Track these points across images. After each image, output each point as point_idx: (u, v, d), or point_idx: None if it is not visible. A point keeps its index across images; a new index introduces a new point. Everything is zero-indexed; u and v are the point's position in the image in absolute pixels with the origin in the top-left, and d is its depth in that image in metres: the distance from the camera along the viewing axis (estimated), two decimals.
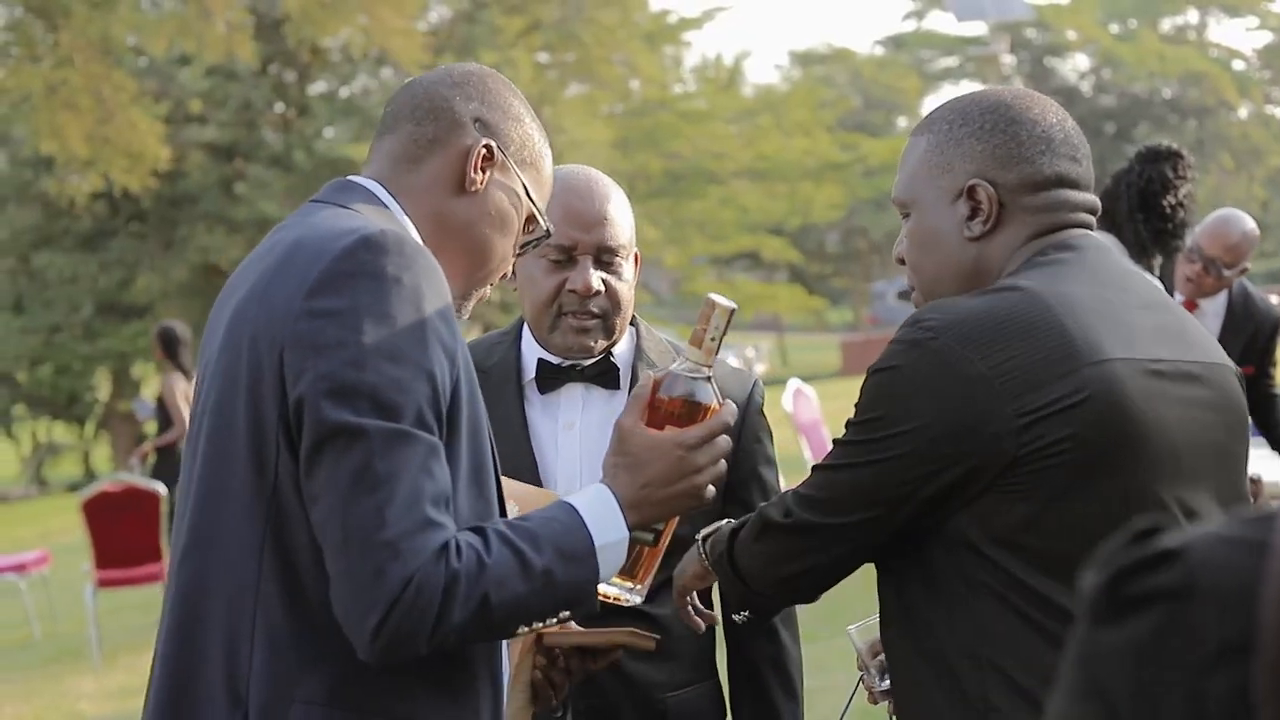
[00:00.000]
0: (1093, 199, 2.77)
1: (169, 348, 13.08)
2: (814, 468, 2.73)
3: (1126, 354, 2.56)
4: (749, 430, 3.58)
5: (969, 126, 2.75)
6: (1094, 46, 59.86)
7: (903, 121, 62.01)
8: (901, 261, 2.86)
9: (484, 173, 2.69)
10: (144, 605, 13.93)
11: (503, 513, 2.62)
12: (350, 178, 2.68)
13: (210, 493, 2.47)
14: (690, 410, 2.63)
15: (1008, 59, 46.72)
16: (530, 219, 2.78)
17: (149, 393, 39.22)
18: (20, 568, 12.84)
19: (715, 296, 2.66)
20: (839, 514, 2.66)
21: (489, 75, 2.76)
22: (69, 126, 25.29)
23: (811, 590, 2.82)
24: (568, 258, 3.47)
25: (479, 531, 2.39)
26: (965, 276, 2.75)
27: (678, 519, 2.72)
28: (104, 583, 11.70)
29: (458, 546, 2.34)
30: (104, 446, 43.64)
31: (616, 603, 2.88)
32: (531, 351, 3.56)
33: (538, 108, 38.96)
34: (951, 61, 62.77)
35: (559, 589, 2.41)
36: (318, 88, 38.68)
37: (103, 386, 43.31)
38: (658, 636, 3.06)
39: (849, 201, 48.66)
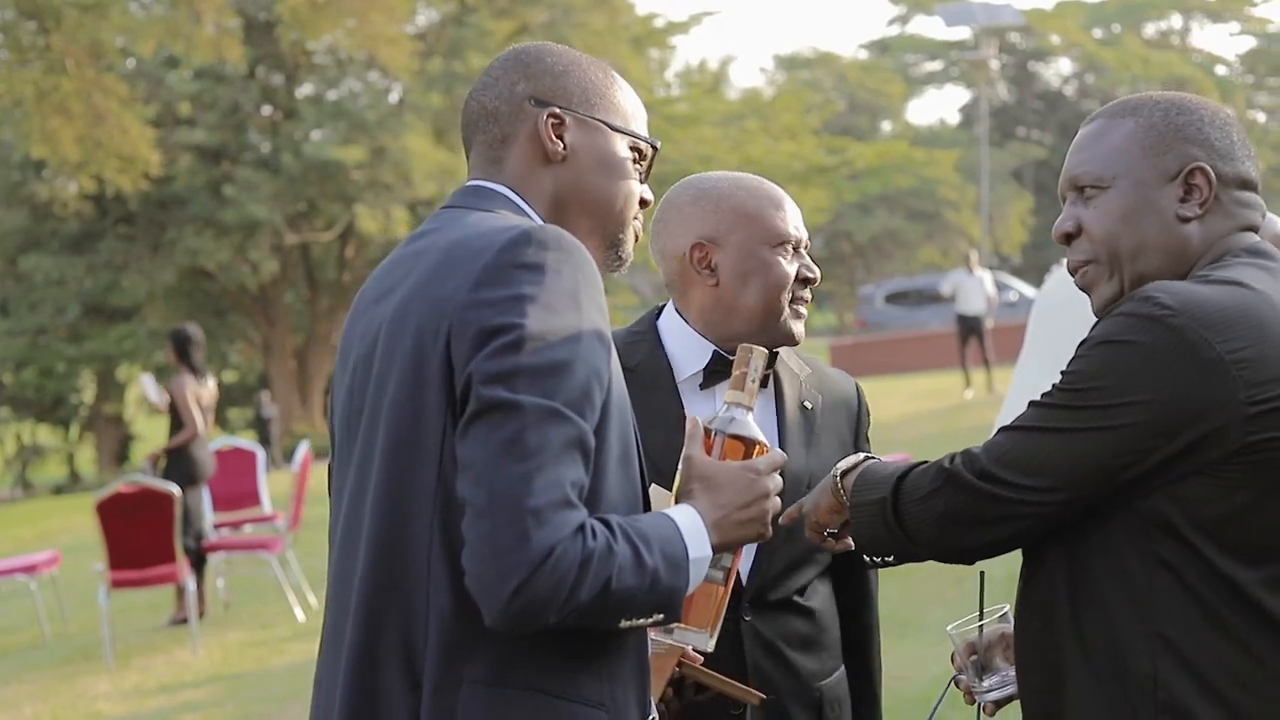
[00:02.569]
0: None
1: (181, 349, 13.06)
2: (1006, 429, 2.74)
3: None
4: (862, 429, 3.67)
5: (1188, 116, 2.85)
6: (1078, 51, 59.98)
7: (887, 125, 62.10)
8: (1067, 239, 2.92)
9: (561, 138, 2.78)
10: (152, 606, 13.95)
11: (645, 499, 2.70)
12: (479, 183, 2.80)
13: (390, 482, 2.55)
14: (745, 446, 2.74)
15: (994, 64, 46.80)
16: (633, 147, 2.85)
17: (134, 393, 39.21)
18: (31, 568, 12.81)
19: (746, 345, 2.82)
20: (1041, 478, 2.67)
21: (519, 52, 2.84)
22: (61, 131, 25.27)
23: (979, 556, 2.81)
24: (794, 249, 3.53)
25: (604, 521, 2.46)
26: (1167, 254, 2.82)
27: (739, 558, 2.80)
28: (117, 583, 11.67)
29: (592, 529, 2.42)
30: (88, 449, 43.61)
31: (686, 655, 3.00)
32: (684, 347, 3.55)
33: None
34: (935, 66, 62.85)
35: (659, 591, 2.49)
36: (305, 90, 38.66)
37: (87, 389, 43.26)
38: (767, 696, 3.24)
39: (835, 205, 48.77)
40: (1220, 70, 62.60)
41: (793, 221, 3.51)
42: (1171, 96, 2.89)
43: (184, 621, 12.60)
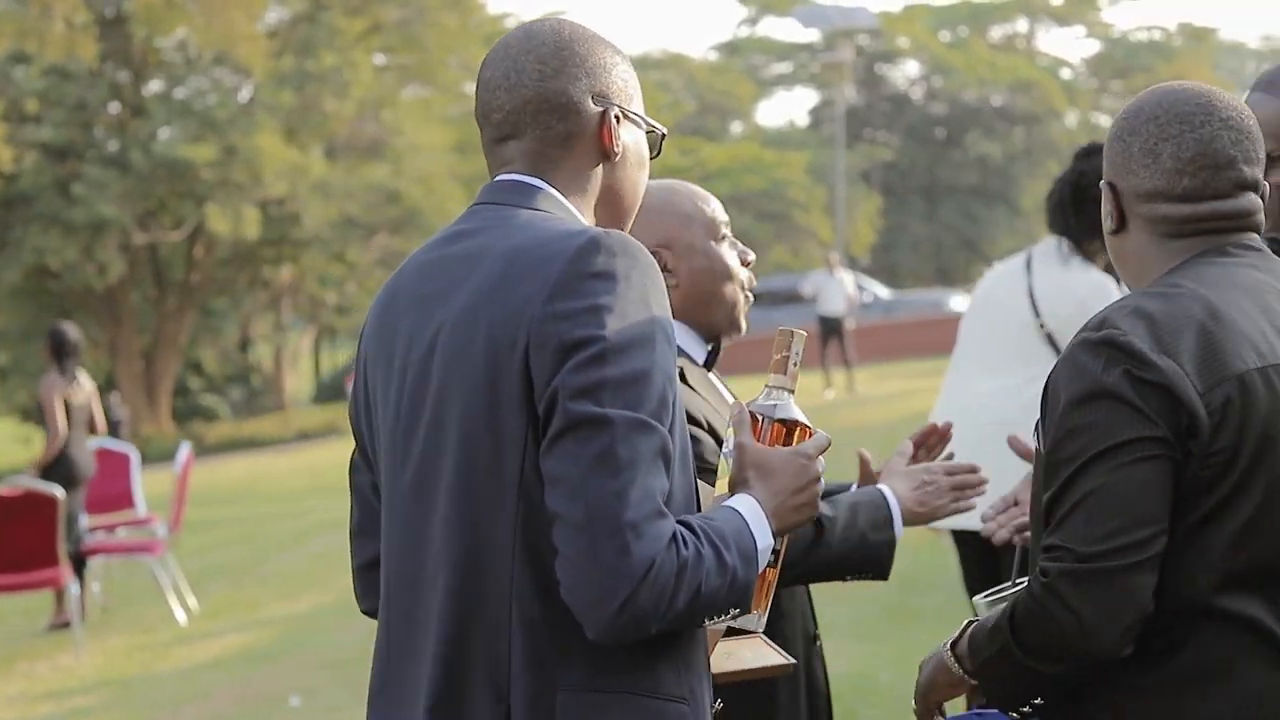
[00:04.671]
0: None
1: (54, 349, 12.83)
2: (1063, 512, 2.72)
3: None
4: None
5: (1114, 129, 2.92)
6: (925, 54, 60.64)
7: (738, 126, 62.38)
8: None
9: (618, 137, 2.76)
10: (28, 610, 13.68)
11: (696, 494, 2.72)
12: (517, 177, 2.73)
13: (466, 496, 2.56)
14: (791, 430, 2.76)
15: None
16: (649, 132, 2.86)
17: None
18: None
19: (788, 327, 2.84)
20: (1141, 527, 2.67)
21: (574, 40, 2.75)
22: None
23: (1131, 636, 2.73)
24: (727, 238, 3.65)
25: (687, 525, 2.50)
26: (1117, 265, 2.98)
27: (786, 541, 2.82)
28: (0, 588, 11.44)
29: (682, 537, 2.46)
30: None
31: (741, 631, 2.96)
32: (683, 340, 3.56)
33: (376, 111, 38.92)
34: (785, 67, 63.26)
35: (738, 588, 2.53)
36: (153, 88, 38.15)
37: None
38: (793, 660, 3.18)
39: None
40: (1065, 74, 63.52)
41: (720, 210, 3.66)
42: (1130, 102, 2.94)
43: (65, 626, 12.33)
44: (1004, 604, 3.01)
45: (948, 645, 2.99)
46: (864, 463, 3.72)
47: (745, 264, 3.63)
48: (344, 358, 53.10)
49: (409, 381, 2.65)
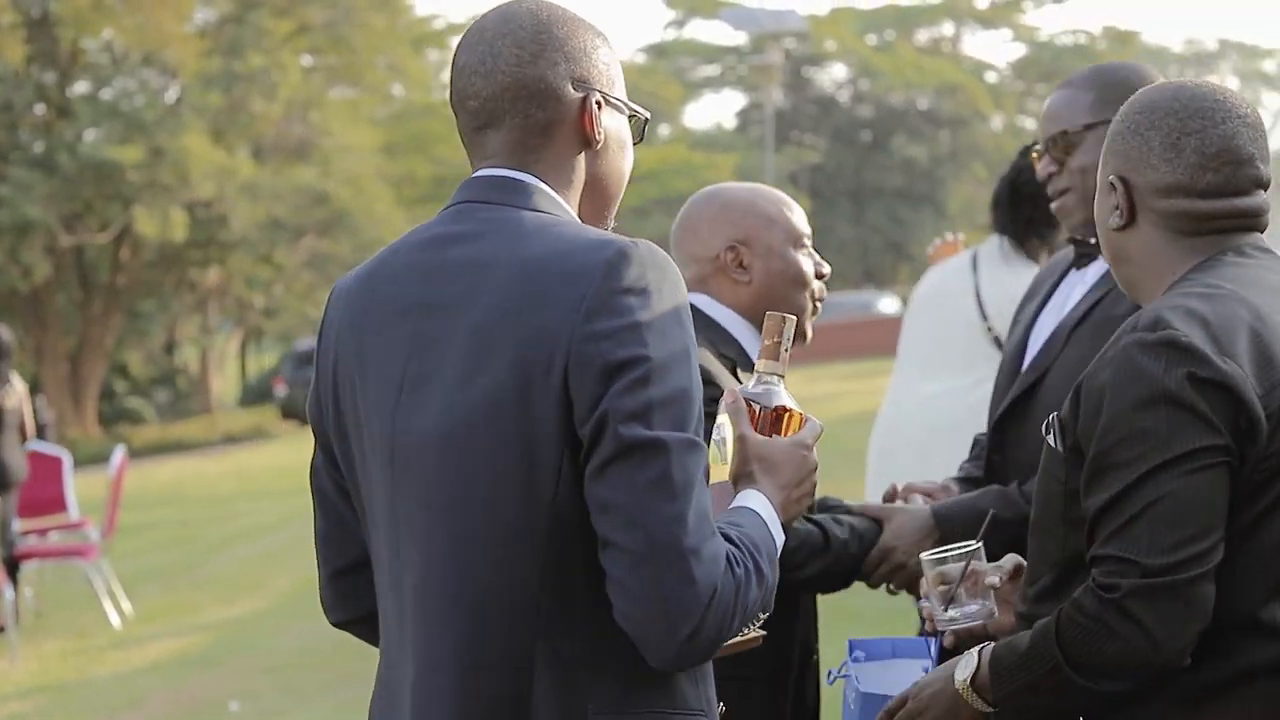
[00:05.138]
0: None
1: None
2: (1121, 522, 2.67)
3: None
4: None
5: (1121, 124, 2.90)
6: (852, 57, 60.78)
7: (665, 129, 62.37)
8: None
9: (599, 123, 2.65)
10: None
11: None
12: (506, 173, 2.61)
13: (486, 520, 2.48)
14: (781, 417, 2.73)
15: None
16: (631, 117, 2.76)
17: None
18: None
19: (778, 312, 2.82)
20: (1205, 538, 2.63)
21: (553, 22, 2.64)
22: None
23: (1193, 644, 2.68)
24: (807, 248, 3.79)
25: (727, 538, 2.46)
26: (1114, 261, 2.96)
27: None
28: None
29: (734, 557, 2.43)
30: None
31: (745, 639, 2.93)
32: (735, 328, 3.74)
33: (303, 112, 38.76)
34: (713, 70, 63.31)
35: (769, 594, 2.52)
36: (79, 89, 37.85)
37: None
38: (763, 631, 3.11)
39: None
40: (991, 77, 63.82)
41: (804, 221, 3.76)
42: (1136, 96, 2.91)
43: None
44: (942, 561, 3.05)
45: (966, 680, 2.86)
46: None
47: (820, 276, 3.72)
48: (271, 360, 52.84)
49: (406, 398, 2.54)
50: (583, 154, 2.65)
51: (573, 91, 2.62)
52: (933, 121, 60.83)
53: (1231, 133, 2.80)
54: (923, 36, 64.07)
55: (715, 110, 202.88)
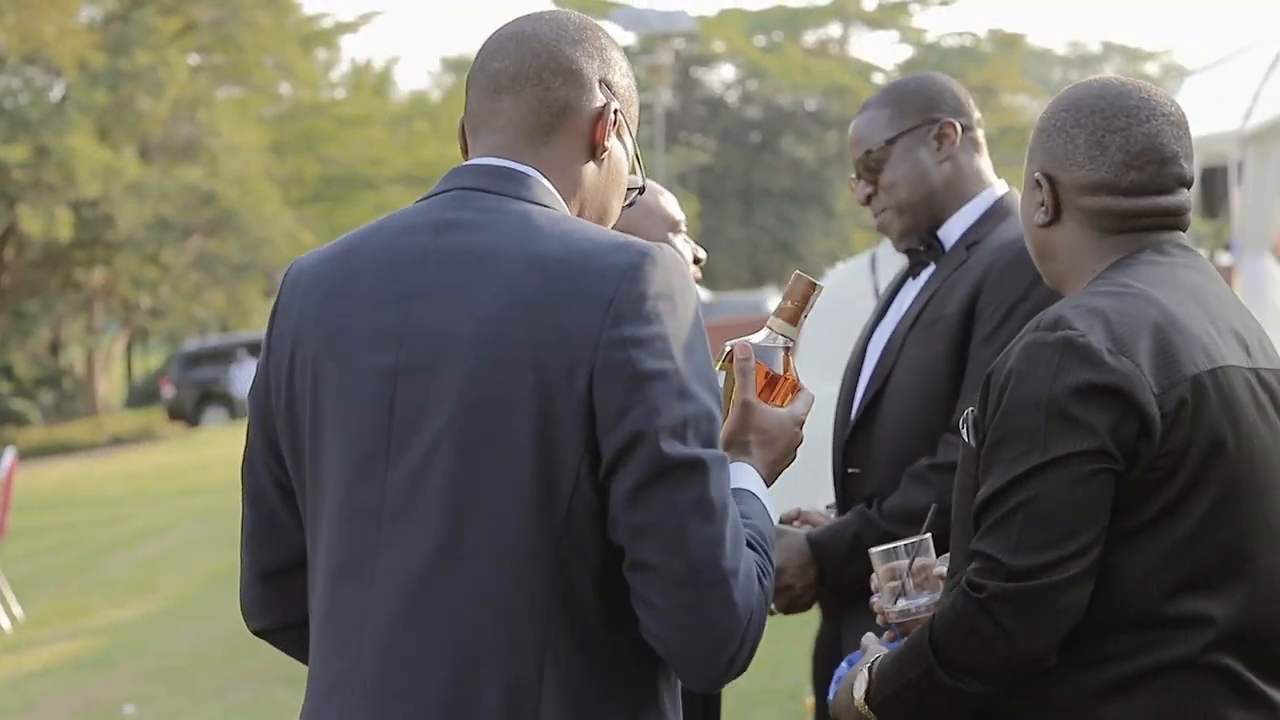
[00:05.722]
0: None
1: None
2: (994, 520, 2.70)
3: None
4: None
5: (1047, 120, 2.90)
6: (741, 58, 60.91)
7: None
8: None
9: (610, 137, 2.54)
10: None
11: None
12: (505, 163, 2.49)
13: (495, 528, 2.34)
14: (774, 382, 2.66)
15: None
16: (631, 169, 2.65)
17: None
18: None
19: (809, 277, 2.72)
20: (1071, 541, 2.65)
21: (600, 30, 2.57)
22: None
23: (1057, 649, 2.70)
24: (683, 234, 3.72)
25: (750, 545, 2.40)
26: (1039, 259, 2.97)
27: None
28: None
29: (761, 568, 2.39)
30: None
31: None
32: None
33: (190, 111, 38.44)
34: None
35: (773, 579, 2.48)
36: None
37: None
38: None
39: None
40: (879, 79, 64.00)
41: (677, 208, 3.67)
42: (1063, 93, 2.91)
43: None
44: (897, 554, 3.06)
45: (857, 699, 2.87)
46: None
47: (696, 261, 3.62)
48: (157, 361, 52.38)
49: (404, 387, 2.39)
50: (585, 165, 2.53)
51: (598, 90, 2.52)
52: (821, 122, 60.97)
53: (1156, 131, 2.81)
54: (811, 38, 64.22)
55: None
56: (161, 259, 38.68)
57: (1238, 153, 13.34)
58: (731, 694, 7.58)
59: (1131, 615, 2.66)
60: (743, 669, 2.37)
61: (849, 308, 6.49)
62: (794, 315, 2.70)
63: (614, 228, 2.63)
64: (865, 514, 3.76)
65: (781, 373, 2.66)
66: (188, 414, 38.66)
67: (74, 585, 15.08)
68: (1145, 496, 2.64)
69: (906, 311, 3.82)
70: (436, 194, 2.50)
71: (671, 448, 2.28)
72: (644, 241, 2.39)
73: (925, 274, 3.86)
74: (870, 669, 2.86)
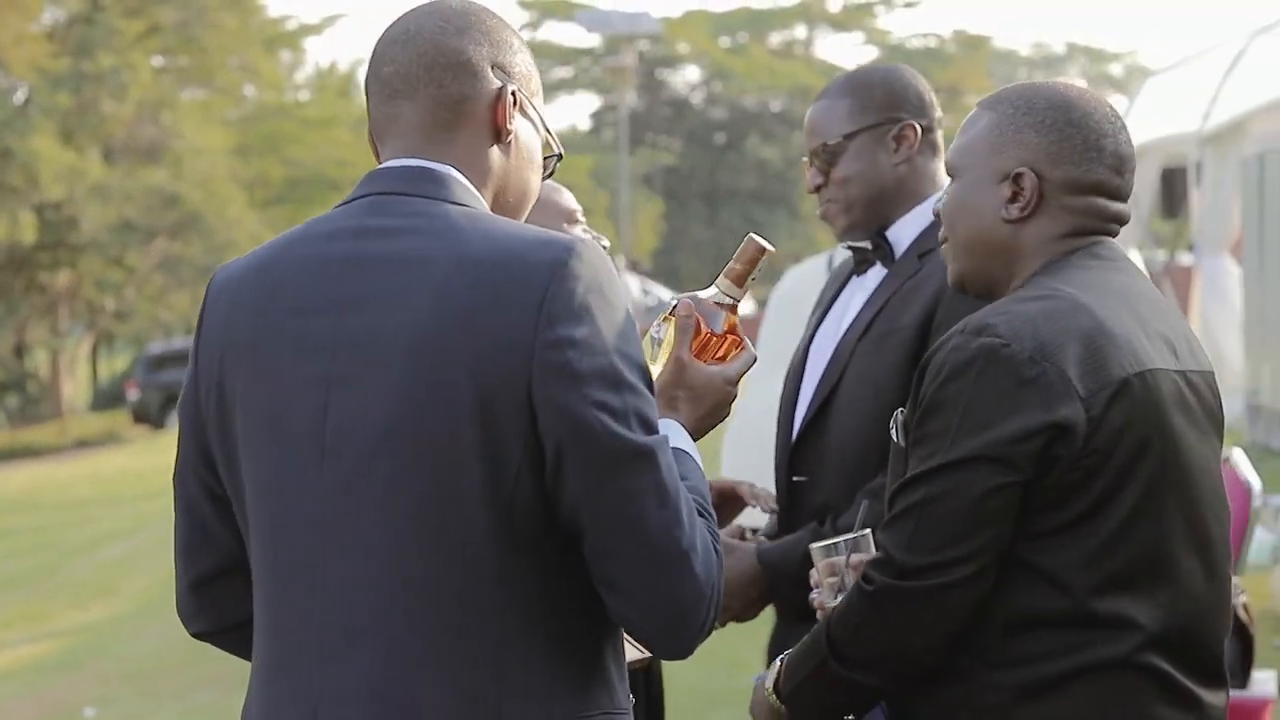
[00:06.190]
0: (1123, 210, 2.93)
1: None
2: (897, 513, 2.77)
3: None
4: None
5: (1033, 115, 2.87)
6: (706, 59, 60.91)
7: None
8: (936, 216, 3.00)
9: (512, 118, 2.55)
10: None
11: None
12: (421, 163, 2.49)
13: (434, 527, 2.36)
14: (710, 341, 2.69)
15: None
16: (545, 144, 2.66)
17: None
18: None
19: (760, 240, 2.75)
20: (962, 544, 2.70)
21: (483, 12, 2.57)
22: None
23: (938, 653, 2.75)
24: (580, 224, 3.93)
25: (699, 511, 2.46)
26: (989, 253, 2.91)
27: None
28: None
29: (712, 533, 2.45)
30: None
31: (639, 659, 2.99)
32: None
33: (154, 113, 38.34)
34: (566, 72, 63.23)
35: None
36: None
37: None
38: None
39: None
40: None
41: (573, 200, 3.86)
42: (1031, 91, 2.90)
43: None
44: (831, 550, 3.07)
45: (769, 690, 2.94)
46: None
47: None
48: (123, 364, 52.16)
49: (337, 396, 2.40)
50: (494, 149, 2.54)
51: (491, 75, 2.53)
52: (786, 123, 60.95)
53: (1126, 140, 2.89)
54: (776, 39, 64.24)
55: (569, 113, 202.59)
56: (126, 261, 38.54)
57: (1197, 153, 13.40)
58: (689, 694, 7.64)
59: (1056, 614, 2.69)
60: (709, 631, 2.43)
61: (803, 306, 6.53)
62: (741, 276, 2.73)
63: None
64: (819, 532, 3.71)
65: (721, 331, 2.69)
66: (153, 417, 38.48)
67: (38, 588, 15.03)
68: (1066, 497, 2.67)
69: (856, 319, 3.77)
70: (355, 199, 2.51)
71: (620, 440, 2.34)
72: (565, 235, 2.43)
73: (872, 274, 3.82)
74: (781, 660, 2.92)
